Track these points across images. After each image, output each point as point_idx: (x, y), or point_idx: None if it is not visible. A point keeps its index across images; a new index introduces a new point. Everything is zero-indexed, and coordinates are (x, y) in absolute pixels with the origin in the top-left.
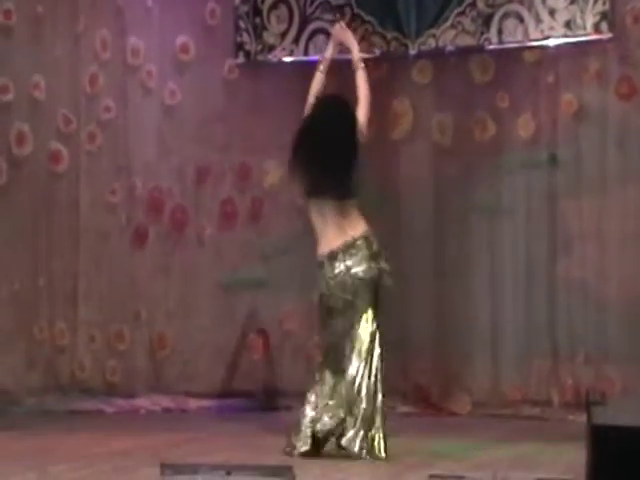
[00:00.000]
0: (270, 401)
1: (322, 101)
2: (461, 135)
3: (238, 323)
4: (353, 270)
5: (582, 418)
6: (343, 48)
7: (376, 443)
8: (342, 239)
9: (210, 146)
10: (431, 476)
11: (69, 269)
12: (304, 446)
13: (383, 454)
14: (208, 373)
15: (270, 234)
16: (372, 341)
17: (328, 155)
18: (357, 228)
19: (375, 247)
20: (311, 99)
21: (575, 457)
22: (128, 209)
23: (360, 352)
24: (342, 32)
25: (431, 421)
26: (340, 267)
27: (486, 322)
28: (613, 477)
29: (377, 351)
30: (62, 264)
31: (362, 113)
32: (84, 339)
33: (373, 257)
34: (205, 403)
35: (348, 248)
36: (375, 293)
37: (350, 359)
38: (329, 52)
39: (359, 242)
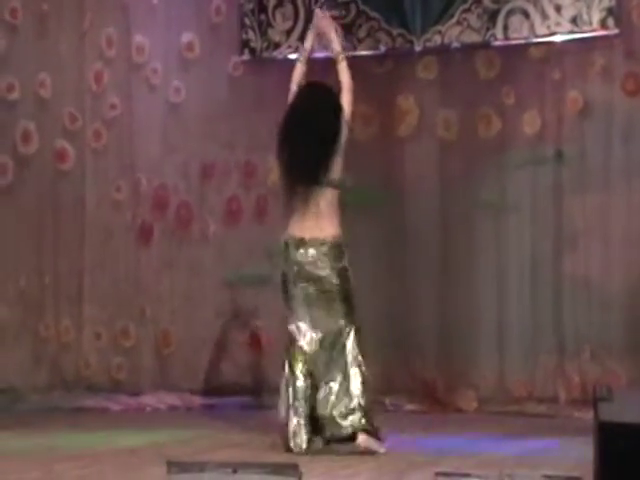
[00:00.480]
0: (274, 398)
1: (305, 88)
2: (466, 131)
3: (243, 320)
4: (321, 272)
5: (588, 415)
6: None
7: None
8: (313, 232)
9: (215, 143)
10: (437, 473)
11: (75, 266)
12: (301, 443)
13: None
14: (213, 370)
15: (275, 231)
16: (349, 339)
17: (306, 141)
18: (329, 228)
19: (341, 251)
20: (294, 87)
21: (582, 454)
22: (133, 206)
23: (344, 358)
24: (323, 20)
25: (437, 418)
26: (307, 257)
27: (492, 318)
28: (621, 474)
29: (357, 350)
30: (68, 261)
31: (345, 103)
32: (90, 336)
33: (338, 259)
34: (210, 400)
35: (318, 244)
36: (346, 292)
37: (337, 365)
38: (309, 42)
39: (328, 243)
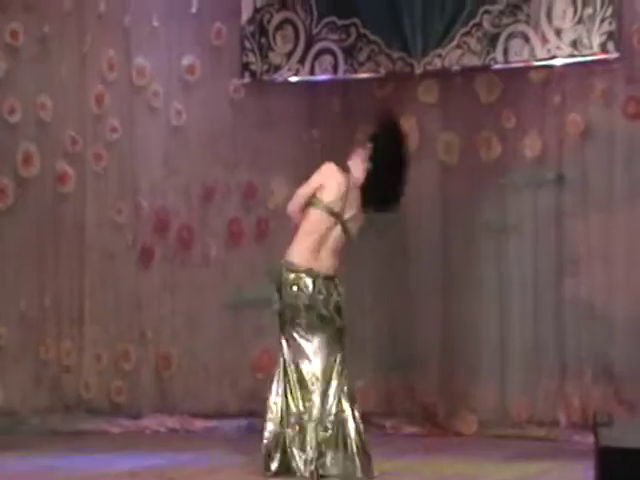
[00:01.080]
0: None
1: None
2: (467, 155)
3: (244, 342)
4: (325, 304)
5: (589, 439)
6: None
7: (358, 464)
8: (320, 264)
9: (216, 166)
10: None
11: (75, 289)
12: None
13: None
14: (214, 393)
15: (276, 253)
16: (339, 366)
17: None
18: (334, 260)
19: (339, 284)
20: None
21: (582, 478)
22: (134, 229)
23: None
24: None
25: (437, 441)
26: (313, 288)
27: (493, 341)
28: None
29: (345, 372)
30: (68, 284)
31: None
32: (90, 359)
33: (338, 292)
34: (211, 423)
35: (323, 276)
36: (343, 326)
37: (319, 387)
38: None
39: (333, 276)
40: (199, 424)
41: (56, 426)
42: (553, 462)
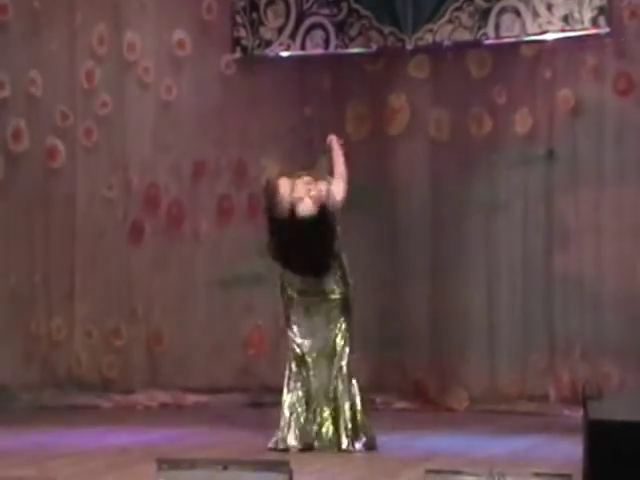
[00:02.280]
0: (266, 396)
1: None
2: (458, 130)
3: (235, 318)
4: (322, 283)
5: (578, 413)
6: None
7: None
8: None
9: (207, 142)
10: (427, 471)
11: (66, 265)
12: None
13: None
14: (205, 368)
15: (266, 230)
16: (343, 345)
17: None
18: None
19: (338, 261)
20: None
21: (572, 452)
22: (125, 204)
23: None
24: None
25: (428, 417)
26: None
27: (483, 318)
28: (610, 471)
29: (347, 351)
30: (59, 260)
31: (338, 192)
32: (81, 335)
33: (337, 268)
34: (202, 398)
35: None
36: (346, 300)
37: (325, 366)
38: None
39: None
40: (190, 399)
41: (47, 402)
42: (543, 436)
